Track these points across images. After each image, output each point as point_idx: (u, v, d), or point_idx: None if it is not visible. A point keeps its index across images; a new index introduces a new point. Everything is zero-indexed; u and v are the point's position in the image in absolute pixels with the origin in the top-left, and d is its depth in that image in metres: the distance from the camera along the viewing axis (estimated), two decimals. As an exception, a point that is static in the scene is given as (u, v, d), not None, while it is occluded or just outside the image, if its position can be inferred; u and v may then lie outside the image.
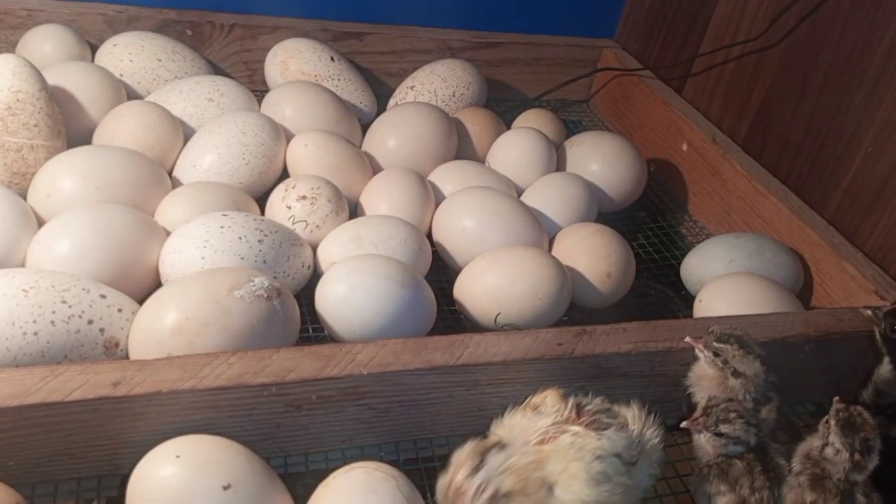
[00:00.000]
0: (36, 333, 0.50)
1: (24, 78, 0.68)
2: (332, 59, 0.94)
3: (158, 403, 0.45)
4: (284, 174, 0.79)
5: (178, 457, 0.44)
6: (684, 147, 0.95)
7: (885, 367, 0.60)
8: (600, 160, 0.88)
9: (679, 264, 0.80)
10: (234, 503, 0.43)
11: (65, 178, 0.66)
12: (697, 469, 0.54)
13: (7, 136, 0.67)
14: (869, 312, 0.61)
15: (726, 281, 0.72)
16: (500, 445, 0.45)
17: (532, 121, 0.94)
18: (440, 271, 0.74)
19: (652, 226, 0.91)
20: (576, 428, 0.48)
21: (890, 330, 0.59)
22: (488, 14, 1.05)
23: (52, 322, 0.51)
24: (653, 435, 0.50)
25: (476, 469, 0.43)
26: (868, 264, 0.73)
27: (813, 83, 0.84)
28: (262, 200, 0.73)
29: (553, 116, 0.96)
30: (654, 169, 0.97)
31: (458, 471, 0.43)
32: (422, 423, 0.54)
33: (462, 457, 0.44)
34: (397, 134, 0.85)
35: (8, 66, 0.68)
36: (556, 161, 0.88)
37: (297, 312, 0.59)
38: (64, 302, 0.52)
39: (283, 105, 0.84)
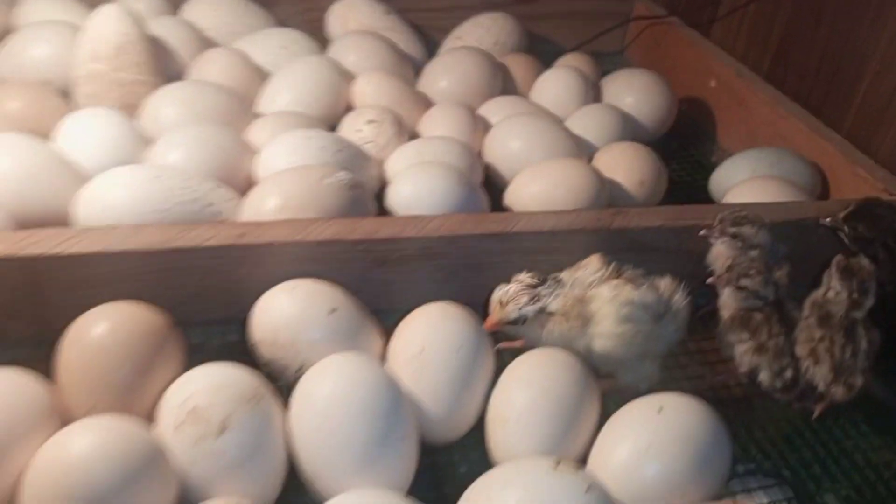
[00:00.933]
0: (167, 210, 0.61)
1: (129, 23, 0.80)
2: (387, 13, 1.04)
3: (272, 253, 0.56)
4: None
5: (293, 289, 0.54)
6: (712, 84, 1.03)
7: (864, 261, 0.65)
8: (634, 93, 0.97)
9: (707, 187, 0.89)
10: (338, 324, 0.54)
11: (169, 106, 0.78)
12: (722, 321, 0.63)
13: (119, 72, 0.79)
14: (827, 220, 0.66)
15: (749, 184, 0.80)
16: (557, 279, 0.55)
17: (570, 63, 1.03)
18: (490, 188, 0.83)
19: (683, 153, 0.99)
20: (616, 281, 0.57)
21: (854, 231, 0.65)
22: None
23: (180, 202, 0.62)
24: (680, 300, 0.59)
25: (532, 286, 0.53)
26: (878, 169, 0.81)
27: (826, 12, 0.92)
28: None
29: (590, 59, 1.05)
30: (685, 108, 1.06)
31: (518, 283, 0.53)
32: (485, 286, 0.63)
33: (522, 275, 0.54)
34: (448, 76, 0.95)
35: (114, 13, 0.80)
36: (593, 98, 0.97)
37: (373, 204, 0.69)
38: (189, 187, 0.63)
39: (347, 52, 0.95)
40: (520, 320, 0.54)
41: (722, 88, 1.02)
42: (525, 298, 0.53)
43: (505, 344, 0.59)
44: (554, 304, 0.53)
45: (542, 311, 0.53)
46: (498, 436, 0.52)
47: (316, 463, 0.48)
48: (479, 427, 0.54)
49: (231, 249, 0.55)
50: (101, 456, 0.41)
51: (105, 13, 0.79)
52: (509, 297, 0.54)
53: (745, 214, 0.63)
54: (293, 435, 0.49)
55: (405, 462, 0.49)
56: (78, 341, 0.50)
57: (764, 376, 0.60)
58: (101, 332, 0.49)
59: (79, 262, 0.53)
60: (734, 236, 0.61)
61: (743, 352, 0.60)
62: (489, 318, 0.55)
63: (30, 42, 0.85)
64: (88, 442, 0.42)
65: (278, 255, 0.56)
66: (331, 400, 0.48)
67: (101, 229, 0.54)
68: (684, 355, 0.65)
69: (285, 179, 0.65)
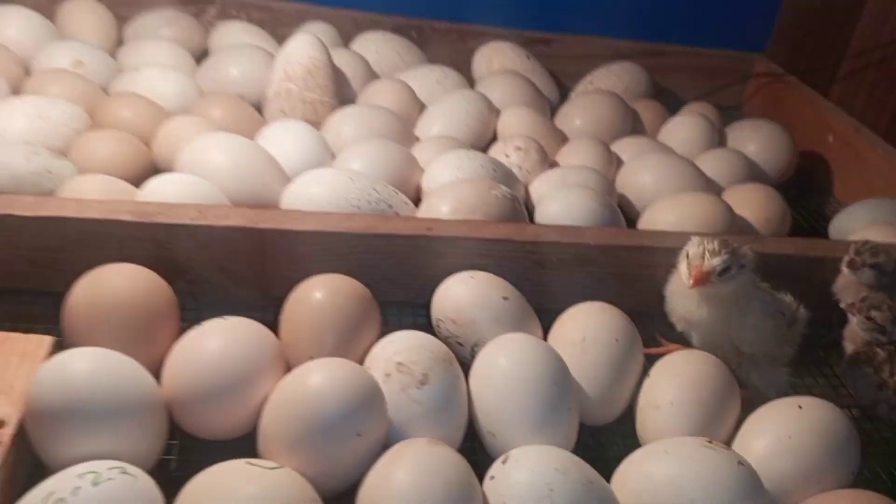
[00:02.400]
0: (358, 207, 0.71)
1: (320, 50, 0.92)
2: (528, 57, 1.15)
3: (453, 246, 0.65)
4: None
5: (471, 278, 0.63)
6: (830, 139, 1.09)
7: None
8: (756, 142, 1.04)
9: (827, 232, 0.94)
10: (509, 311, 0.62)
11: (348, 124, 0.89)
12: (846, 356, 0.68)
13: (307, 92, 0.91)
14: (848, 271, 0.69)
15: (869, 229, 0.86)
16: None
17: (696, 111, 1.11)
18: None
19: (801, 202, 1.05)
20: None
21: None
22: (654, 25, 1.23)
23: (368, 202, 0.72)
24: (803, 314, 0.65)
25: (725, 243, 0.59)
26: None
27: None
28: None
29: (713, 108, 1.13)
30: (801, 160, 1.11)
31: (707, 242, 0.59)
32: (629, 295, 0.71)
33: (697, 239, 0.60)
34: (582, 115, 1.04)
35: (308, 40, 0.92)
36: (717, 143, 1.04)
37: (526, 217, 0.78)
38: (374, 190, 0.73)
39: (493, 89, 1.05)
40: (730, 268, 0.58)
41: (839, 144, 1.08)
42: (725, 252, 0.58)
43: (650, 349, 0.66)
44: (748, 258, 0.60)
45: (741, 266, 0.59)
46: (649, 420, 0.59)
47: (494, 422, 0.55)
48: (628, 415, 0.61)
49: (419, 239, 0.65)
50: (333, 388, 0.50)
51: (300, 40, 0.92)
52: (714, 249, 0.58)
53: (883, 247, 0.68)
54: (473, 397, 0.57)
55: (570, 429, 0.56)
56: (300, 303, 0.59)
57: (882, 410, 0.65)
58: (319, 296, 0.59)
59: (301, 238, 0.63)
60: (873, 266, 0.67)
61: (865, 386, 0.65)
62: (695, 271, 0.58)
63: (226, 62, 0.98)
64: (322, 377, 0.51)
65: (458, 247, 0.65)
66: (508, 370, 0.56)
67: (320, 213, 0.65)
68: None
69: (458, 188, 0.75)
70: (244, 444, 0.52)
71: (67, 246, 0.61)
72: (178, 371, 0.53)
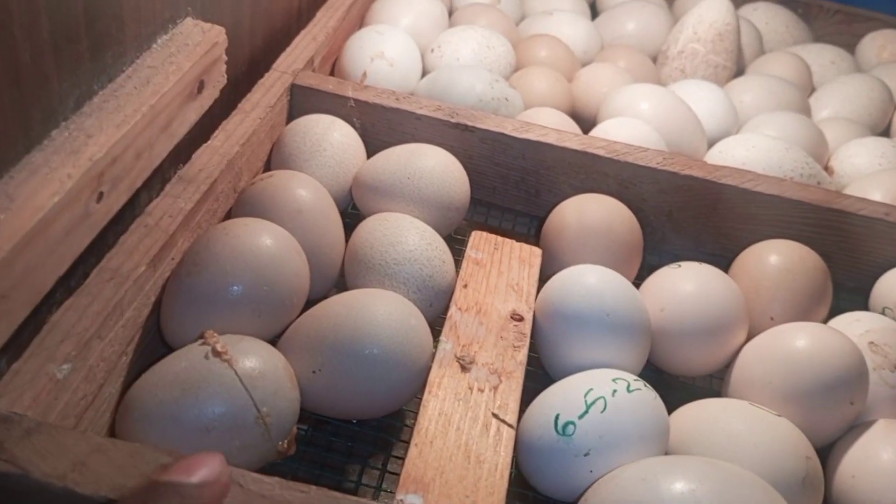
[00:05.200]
0: (790, 178, 0.71)
1: (731, 14, 0.91)
2: (927, 49, 1.06)
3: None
4: None
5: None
6: None
7: None
8: None
9: None
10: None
11: (748, 92, 0.88)
12: None
13: (713, 55, 0.91)
14: None
15: None
16: None
17: None
18: None
19: None
20: None
21: None
22: None
23: (801, 175, 0.71)
24: None
25: None
26: None
27: None
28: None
29: None
30: None
31: None
32: None
33: None
34: None
35: (723, 5, 0.91)
36: None
37: None
38: (807, 164, 0.72)
39: (886, 78, 0.99)
40: None
41: None
42: None
43: None
44: None
45: None
46: None
47: None
48: None
49: (876, 223, 0.63)
50: (828, 353, 0.51)
51: (715, 2, 0.91)
52: None
53: None
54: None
55: None
56: (760, 264, 0.60)
57: None
58: (781, 261, 0.60)
59: (756, 199, 0.64)
60: None
61: None
62: None
63: (625, 16, 1.00)
64: (818, 341, 0.51)
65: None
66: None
67: (776, 179, 0.65)
68: None
69: (886, 177, 0.72)
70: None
71: (541, 170, 0.66)
72: (654, 304, 0.56)
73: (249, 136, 0.58)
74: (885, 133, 0.92)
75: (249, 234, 0.48)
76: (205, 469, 0.31)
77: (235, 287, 0.46)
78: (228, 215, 0.56)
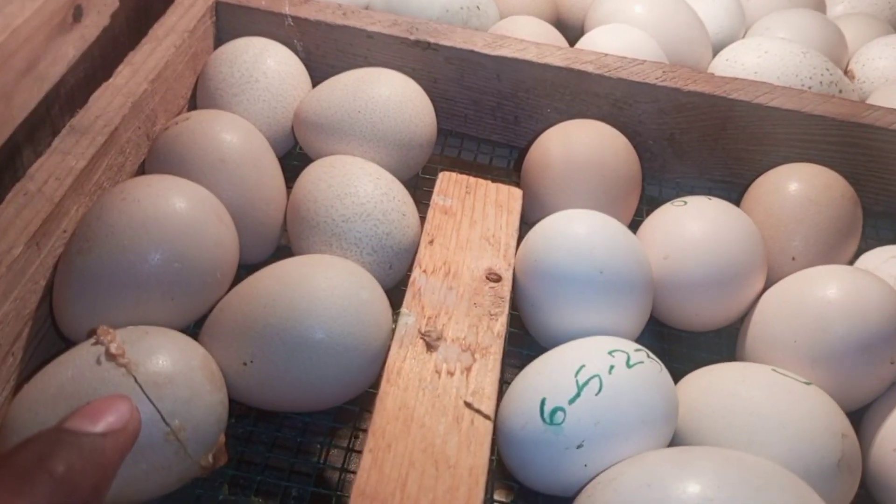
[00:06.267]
0: (808, 87, 0.61)
1: None
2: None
3: None
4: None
5: None
6: None
7: None
8: None
9: None
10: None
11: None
12: None
13: None
14: None
15: None
16: None
17: None
18: None
19: None
20: None
21: None
22: None
23: (819, 82, 0.61)
24: None
25: None
26: None
27: None
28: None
29: None
30: None
31: None
32: None
33: None
34: None
35: None
36: None
37: None
38: (827, 70, 0.62)
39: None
40: None
41: None
42: None
43: None
44: None
45: None
46: None
47: None
48: None
49: (908, 137, 0.54)
50: (868, 305, 0.42)
51: None
52: None
53: None
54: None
55: None
56: (776, 193, 0.51)
57: None
58: (794, 189, 0.51)
59: (770, 115, 0.54)
60: None
61: None
62: None
63: None
64: (852, 290, 0.43)
65: None
66: None
67: (794, 90, 0.55)
68: None
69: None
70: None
71: (519, 92, 0.56)
72: (656, 250, 0.47)
73: (162, 70, 0.48)
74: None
75: (153, 196, 0.39)
76: (111, 415, 0.28)
77: (138, 265, 0.37)
78: (142, 172, 0.47)
